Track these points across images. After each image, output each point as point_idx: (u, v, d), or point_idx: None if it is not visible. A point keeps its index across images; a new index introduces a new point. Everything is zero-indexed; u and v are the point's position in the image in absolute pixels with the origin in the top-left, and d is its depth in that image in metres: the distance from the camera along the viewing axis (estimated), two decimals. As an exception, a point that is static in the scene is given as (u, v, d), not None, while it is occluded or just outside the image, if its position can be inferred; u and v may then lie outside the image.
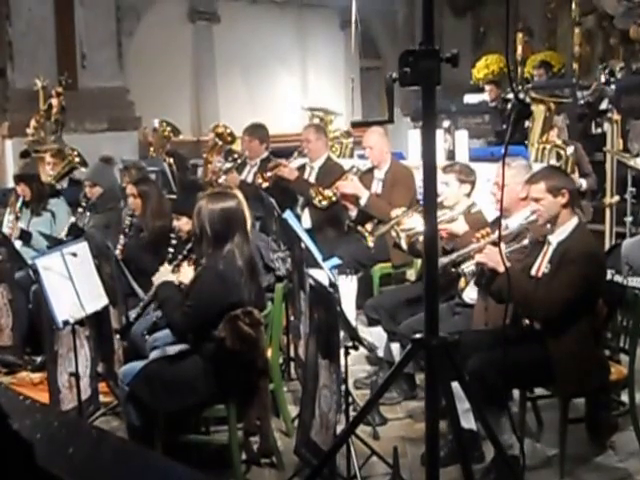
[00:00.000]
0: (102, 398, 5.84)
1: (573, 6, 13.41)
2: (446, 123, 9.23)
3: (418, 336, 2.80)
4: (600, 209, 8.53)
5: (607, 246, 7.87)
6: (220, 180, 8.31)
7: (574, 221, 4.78)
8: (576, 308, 4.53)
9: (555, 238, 4.78)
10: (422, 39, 2.65)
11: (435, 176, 2.67)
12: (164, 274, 4.96)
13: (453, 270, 5.17)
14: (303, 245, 5.38)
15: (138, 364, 4.81)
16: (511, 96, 12.47)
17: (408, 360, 2.93)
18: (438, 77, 2.64)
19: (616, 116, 8.47)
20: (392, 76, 2.68)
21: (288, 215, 5.54)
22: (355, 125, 7.05)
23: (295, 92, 15.25)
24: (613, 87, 11.17)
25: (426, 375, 2.79)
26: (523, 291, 4.66)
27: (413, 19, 15.54)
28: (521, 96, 11.24)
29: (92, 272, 5.38)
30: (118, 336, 5.54)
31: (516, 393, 5.16)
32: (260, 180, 7.97)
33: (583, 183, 8.31)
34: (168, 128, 10.80)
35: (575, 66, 13.48)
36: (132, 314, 5.51)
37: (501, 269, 4.68)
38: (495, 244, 4.93)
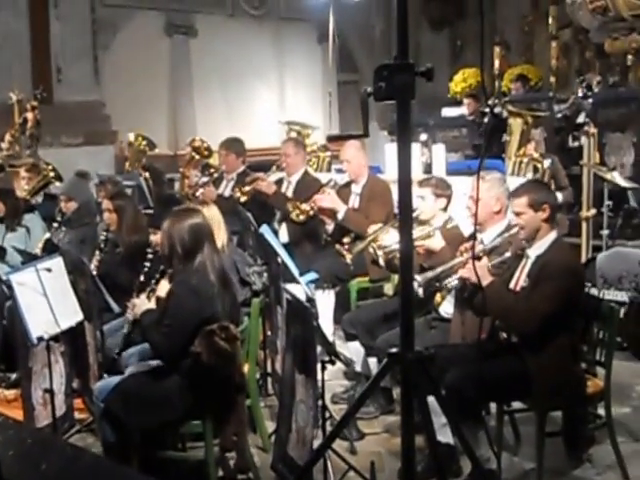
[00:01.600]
0: (77, 415, 5.81)
1: (550, 20, 13.53)
2: (424, 136, 9.30)
3: (394, 350, 2.82)
4: (577, 222, 8.57)
5: (584, 259, 7.92)
6: (197, 194, 8.30)
7: (552, 235, 4.82)
8: (554, 322, 4.55)
9: (533, 252, 4.82)
10: (397, 53, 2.67)
11: (410, 191, 2.69)
12: (143, 303, 4.93)
13: (437, 285, 5.21)
14: (280, 260, 5.39)
15: (114, 380, 4.79)
16: (494, 109, 12.56)
17: (384, 375, 2.94)
18: (413, 91, 2.66)
19: (593, 130, 8.51)
20: (367, 90, 2.69)
21: (264, 229, 5.54)
22: (331, 139, 7.08)
23: (273, 106, 15.28)
24: (590, 101, 11.25)
25: (402, 390, 2.81)
26: (503, 305, 4.69)
27: (390, 33, 15.62)
28: (498, 110, 11.33)
29: (67, 288, 5.36)
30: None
31: (493, 406, 5.19)
32: (238, 194, 7.97)
33: (559, 196, 8.34)
34: (144, 142, 10.78)
35: (552, 79, 13.59)
36: (115, 348, 5.46)
37: (484, 283, 4.72)
38: (478, 258, 4.98)
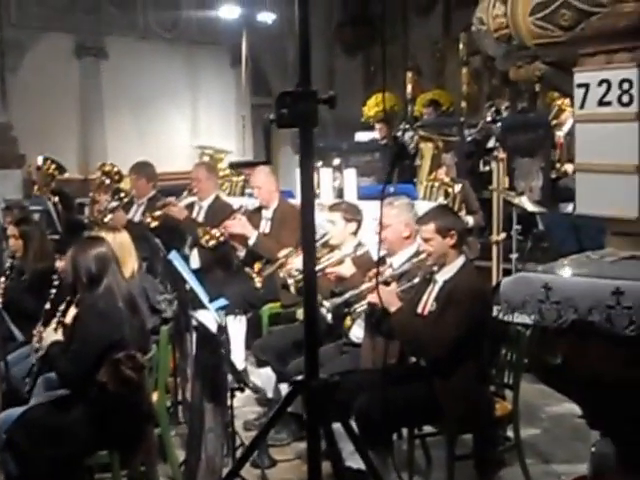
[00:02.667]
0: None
1: (461, 46, 13.76)
2: (336, 161, 9.35)
3: (299, 378, 2.83)
4: (487, 246, 8.71)
5: (494, 282, 8.05)
6: (106, 219, 8.20)
7: (460, 260, 4.91)
8: (462, 346, 4.62)
9: (441, 277, 4.89)
10: (299, 80, 2.69)
11: (313, 219, 2.70)
12: (50, 335, 4.85)
13: (346, 310, 5.24)
14: (188, 286, 5.36)
15: (17, 410, 4.69)
16: (406, 134, 12.70)
17: (289, 403, 2.94)
18: (315, 119, 2.68)
19: (502, 155, 8.69)
20: (269, 117, 2.71)
21: (173, 256, 5.51)
22: (233, 166, 7.06)
23: (185, 129, 15.22)
24: (499, 125, 11.47)
25: (307, 417, 2.81)
26: (411, 330, 4.76)
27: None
28: (409, 134, 11.49)
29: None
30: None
31: (405, 430, 5.23)
32: (149, 219, 7.90)
33: (470, 220, 8.48)
34: (53, 166, 10.60)
35: (463, 105, 13.80)
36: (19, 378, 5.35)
37: (393, 308, 4.77)
38: (386, 283, 5.04)
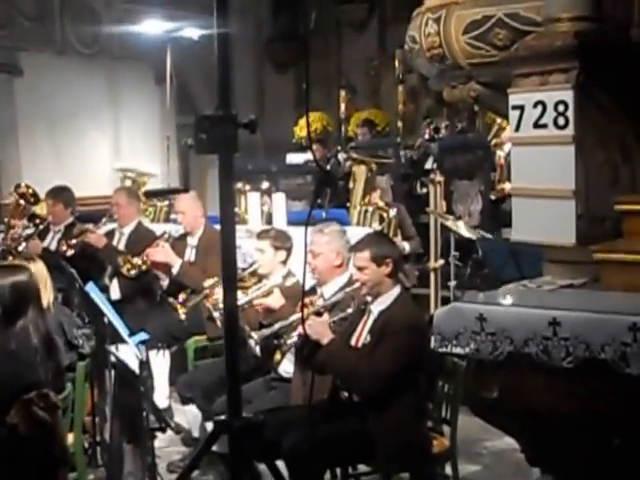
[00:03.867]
0: None
1: (396, 63, 13.88)
2: (265, 184, 9.34)
3: (222, 417, 2.82)
4: (425, 273, 8.77)
5: (432, 310, 8.09)
6: (20, 248, 8.10)
7: (396, 290, 4.93)
8: (398, 381, 4.63)
9: (376, 307, 4.90)
10: (217, 104, 2.70)
11: (234, 248, 2.72)
12: None
13: (276, 342, 5.24)
14: (107, 319, 5.31)
15: None
16: (339, 155, 12.74)
17: (211, 443, 2.94)
18: (235, 144, 2.69)
19: (439, 177, 8.77)
20: (187, 142, 2.72)
21: (90, 287, 5.46)
22: (149, 195, 7.02)
23: (106, 151, 15.07)
24: (436, 144, 11.56)
25: (230, 459, 2.81)
26: (344, 364, 4.75)
27: (233, 73, 15.71)
28: (342, 156, 11.55)
29: None
30: None
31: (338, 470, 5.22)
32: (64, 247, 7.81)
33: (406, 246, 8.55)
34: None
35: (400, 124, 13.92)
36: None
37: (324, 341, 4.78)
38: (318, 314, 5.04)
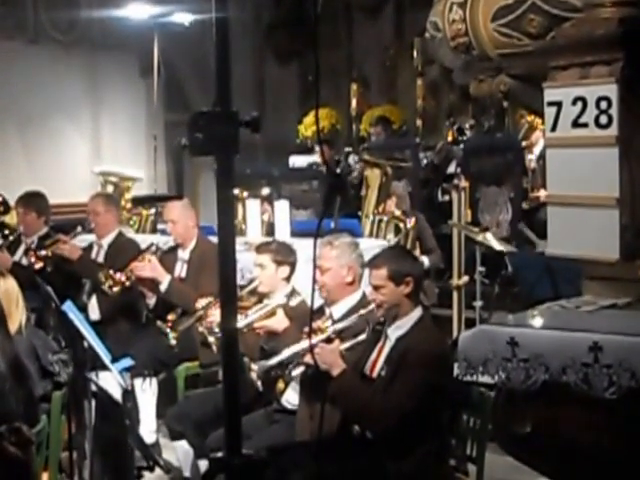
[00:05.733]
0: None
1: (415, 53, 13.83)
2: (266, 191, 9.36)
3: (219, 454, 2.83)
4: (447, 291, 8.75)
5: (455, 334, 8.09)
6: (-15, 262, 8.12)
7: (416, 313, 4.91)
8: (418, 419, 4.61)
9: (394, 332, 4.88)
10: (215, 99, 2.70)
11: (234, 264, 2.72)
12: None
13: (279, 373, 5.22)
14: (86, 343, 5.33)
15: None
16: (350, 158, 12.73)
17: (206, 484, 2.95)
18: (236, 145, 2.69)
19: (464, 183, 8.77)
20: (181, 143, 2.73)
21: (68, 307, 5.47)
22: (137, 202, 6.98)
23: (85, 152, 15.10)
24: (461, 147, 11.54)
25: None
26: (358, 398, 4.74)
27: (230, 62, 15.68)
28: (353, 159, 11.55)
29: None
30: None
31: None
32: (33, 259, 7.80)
33: (426, 261, 8.53)
34: None
35: (419, 123, 13.91)
36: None
37: (335, 372, 4.76)
38: (328, 340, 5.02)
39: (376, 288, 4.89)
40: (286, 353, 5.10)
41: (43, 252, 7.80)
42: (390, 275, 4.84)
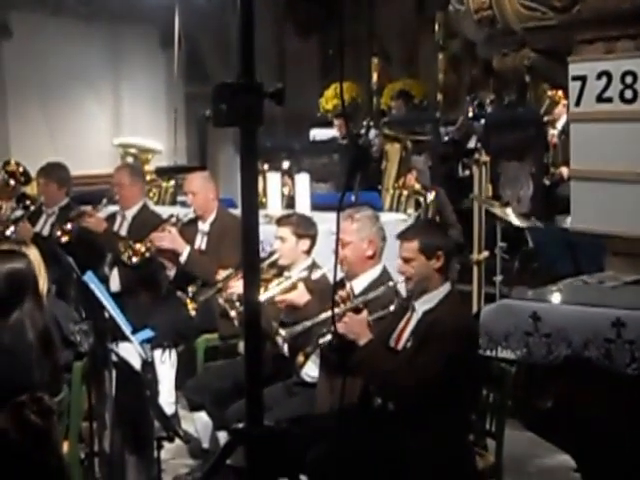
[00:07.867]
0: None
1: (436, 27, 13.77)
2: (286, 164, 9.34)
3: (239, 425, 2.83)
4: (467, 266, 8.73)
5: (475, 309, 8.07)
6: (8, 232, 8.12)
7: (445, 288, 4.90)
8: (441, 392, 4.59)
9: (421, 306, 4.86)
10: (240, 70, 2.69)
11: (257, 235, 2.71)
12: None
13: (306, 341, 5.21)
14: (107, 314, 5.34)
15: None
16: (370, 132, 12.68)
17: (227, 455, 2.94)
18: (260, 117, 2.68)
19: (484, 157, 8.73)
20: (204, 114, 2.72)
21: (89, 277, 5.48)
22: (160, 172, 6.95)
23: (105, 123, 15.12)
24: (482, 122, 11.50)
25: (247, 473, 2.81)
26: (382, 368, 4.73)
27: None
28: (373, 133, 11.51)
29: None
30: None
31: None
32: (59, 233, 7.82)
33: (446, 236, 8.52)
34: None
35: (440, 97, 13.86)
36: None
37: (362, 341, 4.76)
38: (356, 310, 5.00)
39: (406, 261, 4.86)
40: (314, 320, 5.09)
41: (69, 226, 7.78)
42: (421, 248, 4.81)
